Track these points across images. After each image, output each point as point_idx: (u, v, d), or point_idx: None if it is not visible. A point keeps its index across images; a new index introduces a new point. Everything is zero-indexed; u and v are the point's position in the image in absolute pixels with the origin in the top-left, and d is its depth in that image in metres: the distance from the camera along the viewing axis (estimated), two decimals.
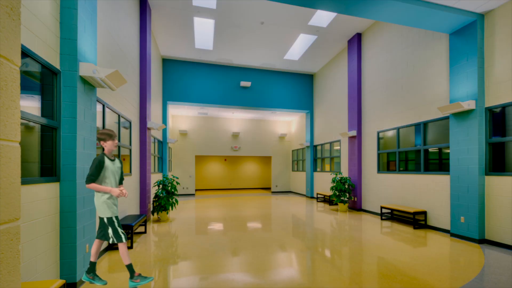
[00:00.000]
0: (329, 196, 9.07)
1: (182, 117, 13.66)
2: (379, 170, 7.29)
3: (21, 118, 2.25)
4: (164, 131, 9.71)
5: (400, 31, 6.51)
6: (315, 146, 11.57)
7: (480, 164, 4.58)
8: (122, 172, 2.94)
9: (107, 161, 2.71)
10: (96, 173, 2.64)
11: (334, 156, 10.00)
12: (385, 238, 4.91)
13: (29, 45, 2.33)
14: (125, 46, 5.18)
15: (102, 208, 2.69)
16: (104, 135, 2.74)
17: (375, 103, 7.49)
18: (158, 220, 6.56)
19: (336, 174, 8.48)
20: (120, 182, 2.93)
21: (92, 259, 2.77)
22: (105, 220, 2.70)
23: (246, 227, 5.87)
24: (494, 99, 4.53)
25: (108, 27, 4.29)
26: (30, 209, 2.34)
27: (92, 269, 2.77)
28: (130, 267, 2.76)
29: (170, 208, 6.51)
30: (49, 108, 2.72)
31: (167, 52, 9.43)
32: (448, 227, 5.26)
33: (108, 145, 2.74)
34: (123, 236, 2.74)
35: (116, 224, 2.75)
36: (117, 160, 2.89)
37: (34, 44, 2.40)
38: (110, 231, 2.72)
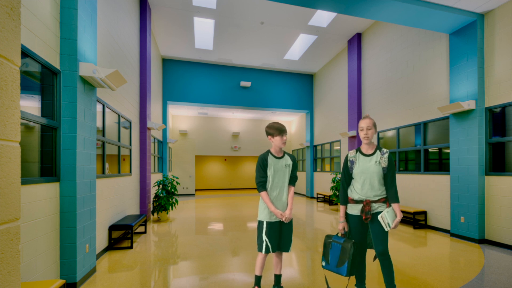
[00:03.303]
0: (329, 196, 9.07)
1: (182, 117, 13.66)
2: None
3: (21, 118, 2.25)
4: (164, 131, 9.71)
5: (400, 31, 6.51)
6: (315, 146, 11.57)
7: (480, 164, 4.58)
8: (293, 170, 2.56)
9: (270, 159, 2.47)
10: (258, 175, 2.45)
11: (334, 156, 10.00)
12: None
13: (29, 45, 2.33)
14: (125, 46, 5.18)
15: (261, 209, 2.52)
16: (273, 129, 2.46)
17: (375, 103, 7.49)
18: (158, 220, 6.56)
19: (336, 174, 8.48)
20: (291, 182, 2.56)
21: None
22: (258, 222, 2.54)
23: (246, 227, 5.87)
24: (494, 99, 4.53)
25: (108, 27, 4.29)
26: (30, 209, 2.34)
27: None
28: (256, 279, 2.56)
29: (170, 208, 6.51)
30: (49, 108, 2.72)
31: (167, 52, 9.43)
32: (448, 227, 5.26)
33: (276, 141, 2.46)
34: (263, 246, 2.44)
35: (263, 230, 2.46)
36: (286, 157, 2.55)
37: (34, 44, 2.40)
38: (257, 235, 2.52)
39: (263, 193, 2.45)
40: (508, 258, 3.82)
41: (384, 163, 2.29)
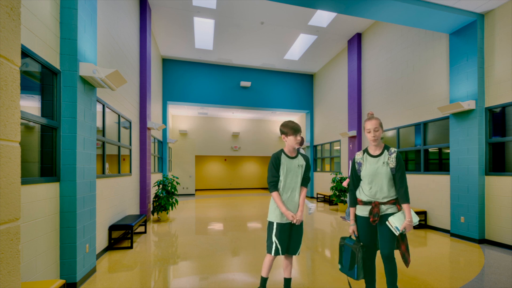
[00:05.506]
0: (329, 196, 9.07)
1: (182, 117, 13.66)
2: None
3: (21, 118, 2.25)
4: (164, 131, 9.71)
5: (400, 31, 6.51)
6: (315, 146, 11.57)
7: (480, 164, 4.58)
8: (306, 171, 2.49)
9: (284, 158, 2.40)
10: (270, 175, 2.38)
11: (334, 156, 10.00)
12: None
13: (29, 45, 2.33)
14: (125, 46, 5.18)
15: (271, 209, 2.45)
16: (288, 128, 2.37)
17: (375, 103, 7.49)
18: (158, 220, 6.56)
19: (336, 174, 8.48)
20: (303, 183, 2.48)
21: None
22: (268, 223, 2.46)
23: (246, 227, 5.87)
24: (494, 99, 4.53)
25: (108, 27, 4.29)
26: (30, 209, 2.34)
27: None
28: (262, 280, 2.51)
29: (170, 208, 6.51)
30: (49, 108, 2.72)
31: (167, 52, 9.43)
32: (448, 227, 5.26)
33: (290, 141, 2.39)
34: (273, 248, 2.38)
35: (273, 231, 2.39)
36: (299, 158, 2.48)
37: (34, 44, 2.40)
38: (267, 236, 2.45)
39: (275, 193, 2.39)
40: (508, 258, 3.82)
41: (392, 164, 2.19)
